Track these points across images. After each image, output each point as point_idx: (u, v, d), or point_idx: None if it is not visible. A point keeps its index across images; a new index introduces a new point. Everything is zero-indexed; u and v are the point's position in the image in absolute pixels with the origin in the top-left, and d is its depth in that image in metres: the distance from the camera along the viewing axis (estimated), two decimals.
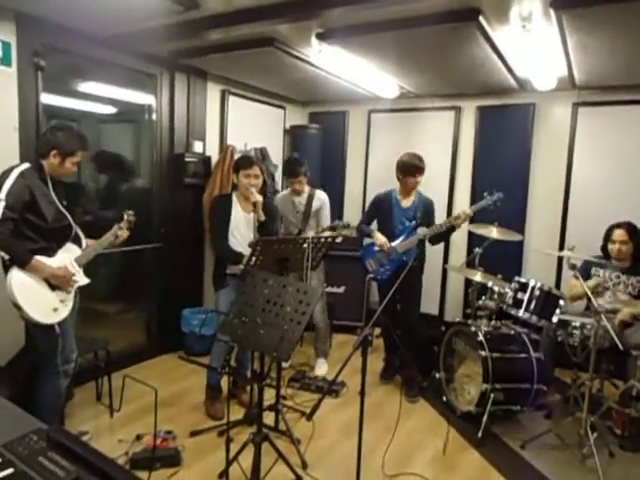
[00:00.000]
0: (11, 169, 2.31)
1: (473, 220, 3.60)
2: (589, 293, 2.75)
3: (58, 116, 3.38)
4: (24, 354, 2.91)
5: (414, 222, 3.52)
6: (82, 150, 2.45)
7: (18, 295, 2.28)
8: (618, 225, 3.40)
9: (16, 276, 2.29)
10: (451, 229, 3.44)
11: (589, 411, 2.77)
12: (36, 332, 2.46)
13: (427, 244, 3.70)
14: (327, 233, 3.18)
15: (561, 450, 2.87)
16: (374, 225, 3.76)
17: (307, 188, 3.83)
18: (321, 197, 3.85)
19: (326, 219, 3.81)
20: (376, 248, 3.60)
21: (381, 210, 3.68)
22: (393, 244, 3.52)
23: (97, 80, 3.66)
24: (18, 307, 2.30)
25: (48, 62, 3.11)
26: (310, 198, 3.82)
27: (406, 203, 3.61)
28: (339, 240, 3.49)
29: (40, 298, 2.37)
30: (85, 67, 3.55)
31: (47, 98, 3.21)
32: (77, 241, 2.57)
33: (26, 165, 2.36)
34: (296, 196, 3.82)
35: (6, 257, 2.26)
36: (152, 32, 3.12)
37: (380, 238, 3.56)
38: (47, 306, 2.39)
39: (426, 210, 3.59)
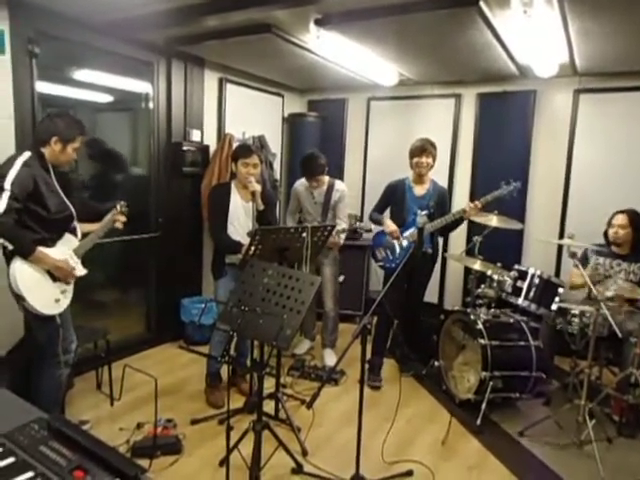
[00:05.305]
0: (14, 158, 2.26)
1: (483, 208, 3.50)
2: (589, 282, 2.74)
3: (54, 104, 3.33)
4: (24, 344, 2.91)
5: (426, 211, 3.46)
6: (81, 135, 2.45)
7: (22, 286, 2.27)
8: (622, 211, 3.40)
9: (20, 267, 2.27)
10: (460, 220, 3.42)
11: (587, 398, 2.79)
12: (36, 323, 2.44)
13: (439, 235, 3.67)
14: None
15: (559, 437, 2.89)
16: (386, 213, 3.70)
17: (326, 179, 3.74)
18: (340, 188, 3.75)
19: (343, 212, 3.76)
20: (388, 237, 3.56)
21: (393, 197, 3.62)
22: (404, 234, 3.49)
23: (93, 68, 3.61)
24: (22, 298, 2.28)
25: (42, 49, 3.06)
26: (329, 190, 3.72)
27: (420, 191, 3.56)
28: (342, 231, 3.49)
29: (43, 289, 2.36)
30: (80, 54, 3.50)
31: (42, 86, 3.17)
32: (74, 232, 2.56)
33: (28, 154, 2.31)
34: (314, 189, 3.74)
35: (9, 247, 2.23)
36: (148, 18, 3.08)
37: (390, 225, 3.52)
38: (49, 297, 2.38)
39: (440, 199, 3.53)
